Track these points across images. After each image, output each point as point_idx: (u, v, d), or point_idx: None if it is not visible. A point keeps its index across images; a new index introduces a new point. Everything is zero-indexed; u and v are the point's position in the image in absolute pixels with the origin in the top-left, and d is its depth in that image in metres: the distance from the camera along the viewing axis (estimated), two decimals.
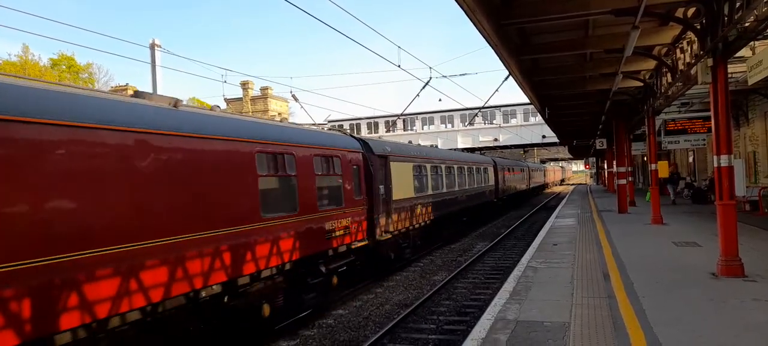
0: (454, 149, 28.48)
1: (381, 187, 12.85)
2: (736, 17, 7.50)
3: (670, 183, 24.03)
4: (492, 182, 28.35)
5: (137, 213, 5.93)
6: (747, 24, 7.89)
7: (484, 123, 52.48)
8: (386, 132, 51.70)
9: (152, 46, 19.52)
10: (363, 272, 12.60)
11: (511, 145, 54.25)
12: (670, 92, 13.86)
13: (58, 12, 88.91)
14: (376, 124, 56.76)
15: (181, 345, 7.01)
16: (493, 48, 10.86)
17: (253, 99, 62.10)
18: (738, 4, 7.41)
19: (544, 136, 48.85)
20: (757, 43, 11.98)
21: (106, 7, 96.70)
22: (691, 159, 30.93)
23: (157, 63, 19.38)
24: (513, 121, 52.31)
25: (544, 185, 66.65)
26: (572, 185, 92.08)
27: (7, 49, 75.66)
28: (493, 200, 28.72)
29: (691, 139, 21.98)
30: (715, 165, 8.60)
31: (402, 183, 14.31)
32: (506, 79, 14.98)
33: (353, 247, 11.25)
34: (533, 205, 40.52)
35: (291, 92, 25.39)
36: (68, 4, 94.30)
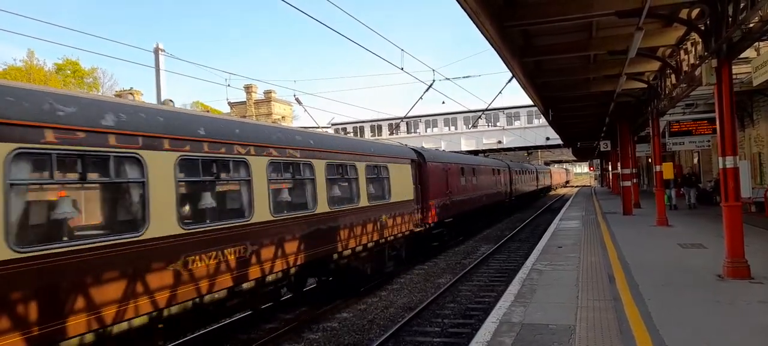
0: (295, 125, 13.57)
1: None
2: (740, 18, 7.49)
3: (687, 186, 22.91)
4: (408, 195, 14.60)
5: None
6: (751, 25, 7.87)
7: (488, 125, 52.41)
8: (390, 135, 51.73)
9: (156, 51, 19.59)
10: None
11: (515, 148, 54.14)
12: (674, 94, 13.82)
13: (63, 17, 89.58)
14: (380, 127, 56.82)
15: None
16: (496, 50, 10.86)
17: (257, 102, 62.35)
18: (742, 5, 7.40)
19: (547, 139, 48.74)
20: (761, 43, 11.94)
21: (112, 8, 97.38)
22: (696, 160, 30.81)
23: (161, 67, 19.46)
24: (516, 124, 52.20)
25: (541, 190, 56.90)
26: (576, 186, 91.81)
27: (12, 54, 76.40)
28: (413, 229, 14.89)
29: (696, 141, 21.88)
30: (721, 166, 8.57)
31: None
32: (509, 81, 15.04)
33: None
34: (537, 207, 40.43)
35: (294, 95, 25.37)
36: (73, 9, 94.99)
